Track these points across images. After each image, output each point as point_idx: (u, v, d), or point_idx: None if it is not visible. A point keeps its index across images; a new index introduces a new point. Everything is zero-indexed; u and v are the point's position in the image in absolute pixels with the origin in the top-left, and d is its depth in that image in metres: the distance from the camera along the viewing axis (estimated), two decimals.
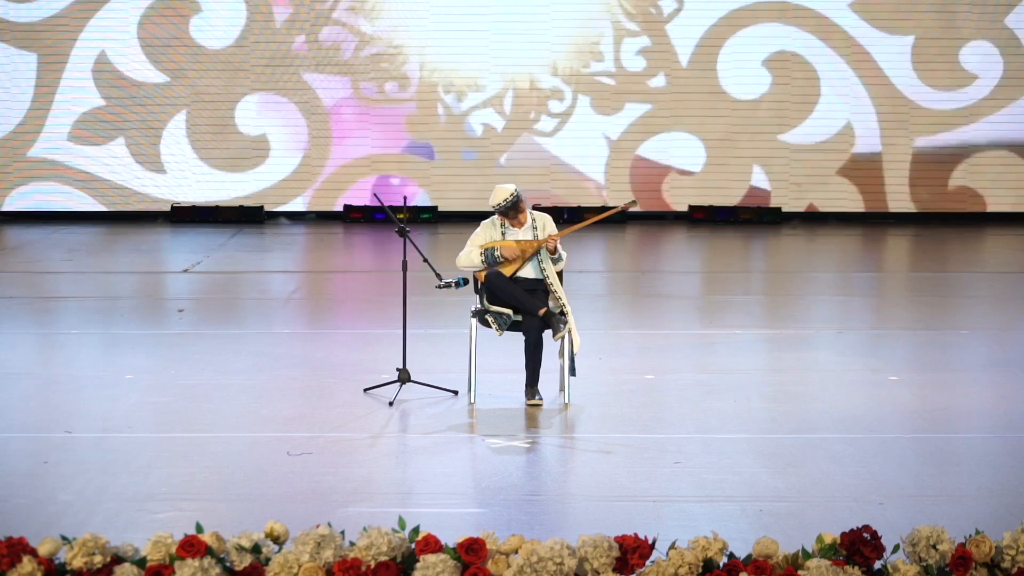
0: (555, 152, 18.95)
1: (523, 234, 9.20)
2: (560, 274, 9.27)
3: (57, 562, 5.17)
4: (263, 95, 18.94)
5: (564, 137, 18.96)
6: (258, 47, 18.98)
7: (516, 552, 5.22)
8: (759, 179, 18.96)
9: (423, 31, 18.74)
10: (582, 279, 13.32)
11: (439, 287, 9.20)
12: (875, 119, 19.00)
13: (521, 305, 9.05)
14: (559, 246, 9.15)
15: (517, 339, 9.13)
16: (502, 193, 9.17)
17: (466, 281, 9.25)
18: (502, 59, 18.75)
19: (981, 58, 19.01)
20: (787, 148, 18.95)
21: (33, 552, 5.17)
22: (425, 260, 9.34)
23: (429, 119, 18.91)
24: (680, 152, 18.99)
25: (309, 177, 19.05)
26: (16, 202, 18.85)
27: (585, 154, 18.97)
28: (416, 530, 5.25)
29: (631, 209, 9.65)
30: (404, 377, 9.21)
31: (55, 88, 18.96)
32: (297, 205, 18.88)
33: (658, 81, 19.04)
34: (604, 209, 17.40)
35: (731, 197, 18.84)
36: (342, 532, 5.26)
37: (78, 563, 5.13)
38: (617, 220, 17.73)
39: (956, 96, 19.05)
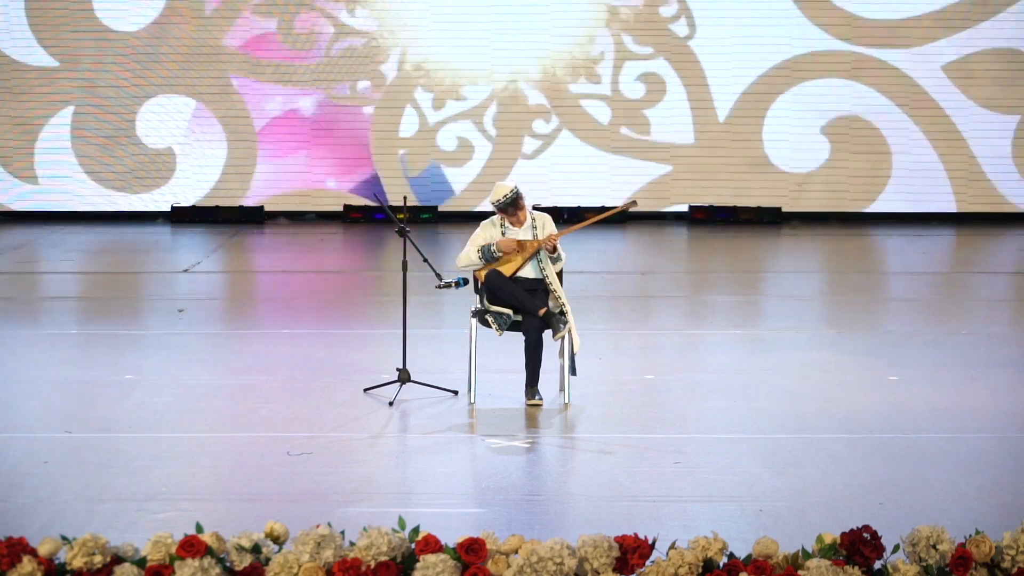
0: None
1: (523, 234, 9.20)
2: (560, 274, 9.27)
3: (57, 562, 5.18)
4: (176, 98, 17.50)
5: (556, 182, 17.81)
6: (178, 36, 17.27)
7: (516, 552, 5.23)
8: None
9: (410, 24, 17.85)
10: (582, 279, 13.32)
11: (439, 287, 9.20)
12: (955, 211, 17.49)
13: (521, 305, 9.05)
14: (558, 246, 9.15)
15: (517, 339, 9.13)
16: (501, 190, 9.17)
17: (466, 281, 9.25)
18: (495, 64, 17.99)
19: None
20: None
21: (33, 552, 5.17)
22: (425, 260, 9.34)
23: (392, 134, 17.83)
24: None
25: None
26: None
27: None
28: (416, 530, 5.26)
29: (631, 209, 9.64)
30: (404, 377, 9.21)
31: None
32: None
33: (685, 137, 17.74)
34: (604, 209, 17.38)
35: None
36: (342, 532, 5.26)
37: (78, 563, 5.13)
38: (617, 220, 17.66)
39: None
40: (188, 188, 17.72)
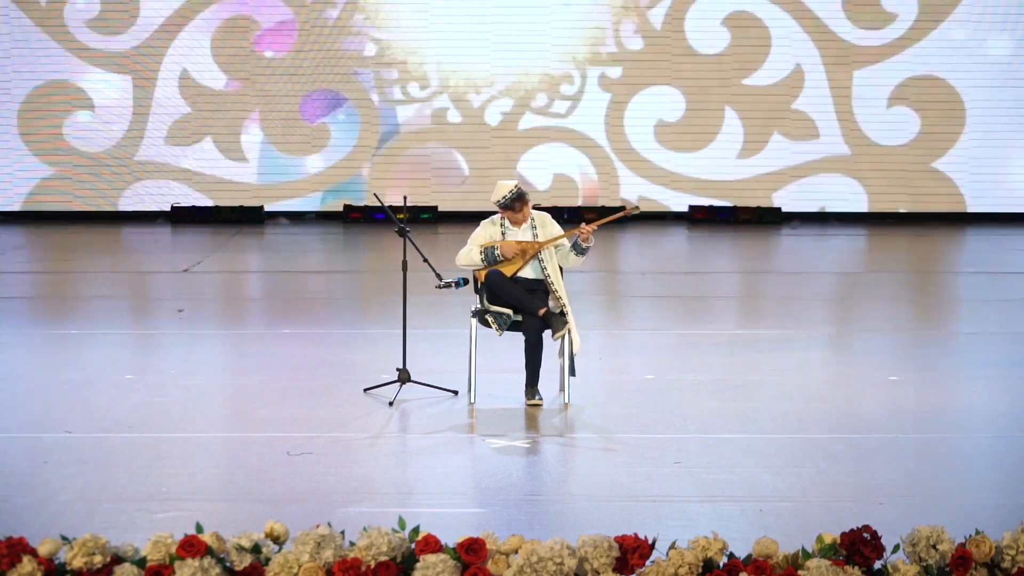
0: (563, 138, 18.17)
1: (522, 234, 9.19)
2: (560, 268, 9.24)
3: (57, 562, 5.17)
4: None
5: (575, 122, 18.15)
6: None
7: (516, 552, 5.23)
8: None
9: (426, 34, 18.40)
10: (582, 279, 13.32)
11: (439, 287, 9.19)
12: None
13: (521, 305, 9.05)
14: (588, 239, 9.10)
15: (517, 339, 9.13)
16: (504, 188, 9.15)
17: (466, 281, 9.25)
18: (506, 55, 18.16)
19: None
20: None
21: (33, 552, 5.17)
22: (425, 260, 9.33)
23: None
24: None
25: None
26: None
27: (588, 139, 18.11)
28: (416, 530, 5.26)
29: (633, 213, 9.63)
30: (404, 377, 9.21)
31: None
32: None
33: (635, 44, 18.00)
34: (606, 211, 17.36)
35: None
36: (342, 532, 5.26)
37: (78, 563, 5.13)
38: (617, 220, 17.61)
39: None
40: (341, 145, 17.84)
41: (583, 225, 9.08)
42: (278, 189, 17.90)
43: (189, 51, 17.46)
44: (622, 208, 9.99)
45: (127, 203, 17.66)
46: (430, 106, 18.16)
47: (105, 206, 17.65)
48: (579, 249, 9.12)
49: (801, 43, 18.33)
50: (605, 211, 17.23)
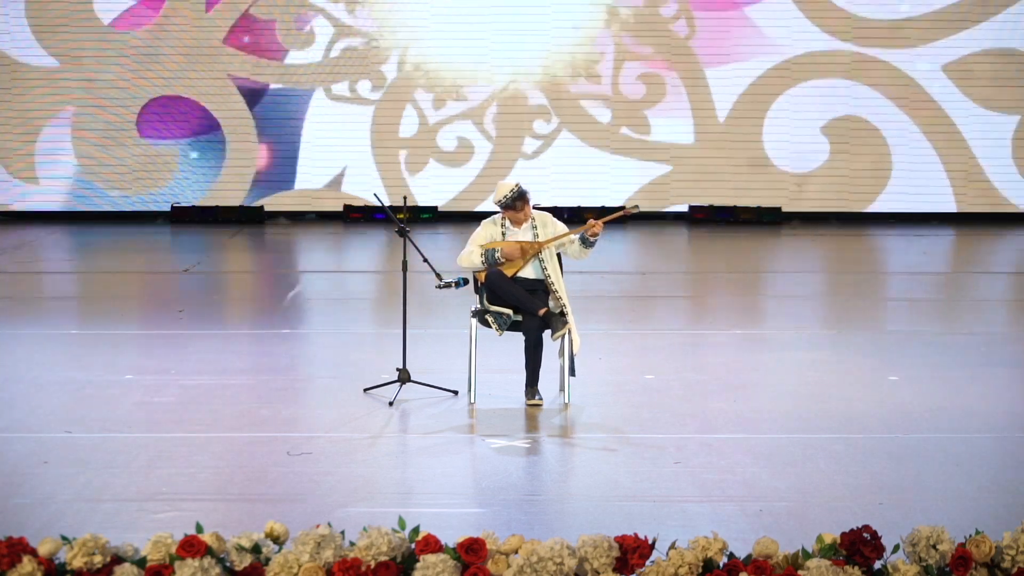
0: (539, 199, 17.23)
1: (523, 234, 9.19)
2: (561, 267, 9.24)
3: (57, 562, 5.18)
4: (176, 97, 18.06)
5: (550, 174, 17.43)
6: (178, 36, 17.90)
7: (516, 552, 5.23)
8: None
9: (410, 25, 17.87)
10: (582, 279, 13.31)
11: (439, 287, 9.19)
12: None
13: (521, 305, 9.05)
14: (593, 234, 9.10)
15: (517, 339, 9.13)
16: (505, 188, 9.16)
17: (466, 281, 9.25)
18: (495, 64, 17.81)
19: None
20: None
21: (33, 552, 5.17)
22: (425, 260, 9.33)
23: (392, 134, 18.24)
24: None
25: None
26: None
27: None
28: (416, 530, 5.26)
29: (633, 212, 9.63)
30: (404, 377, 9.22)
31: None
32: None
33: (686, 137, 17.21)
34: (605, 211, 17.36)
35: None
36: (342, 532, 5.26)
37: (78, 563, 5.13)
38: (617, 220, 17.55)
39: None
40: (188, 188, 17.54)
41: (591, 222, 9.09)
42: None
43: None
44: (622, 208, 9.98)
45: None
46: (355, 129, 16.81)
47: None
48: (588, 243, 9.15)
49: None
50: (605, 211, 17.22)
